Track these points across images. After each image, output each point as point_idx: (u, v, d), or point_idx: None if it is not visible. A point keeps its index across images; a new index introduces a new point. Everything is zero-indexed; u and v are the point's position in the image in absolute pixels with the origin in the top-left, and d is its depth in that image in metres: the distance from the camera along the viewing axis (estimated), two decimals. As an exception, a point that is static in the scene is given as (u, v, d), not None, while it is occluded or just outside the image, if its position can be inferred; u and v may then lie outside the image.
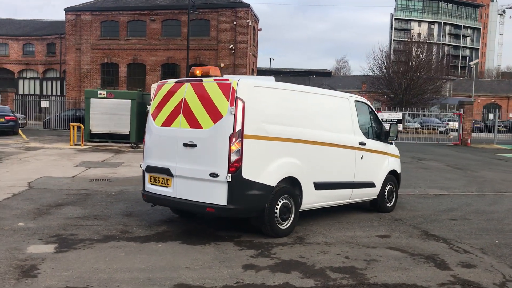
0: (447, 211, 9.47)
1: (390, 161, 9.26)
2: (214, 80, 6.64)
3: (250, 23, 40.87)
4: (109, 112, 21.13)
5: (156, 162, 7.13)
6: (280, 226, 6.89)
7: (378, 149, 8.91)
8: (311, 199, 7.46)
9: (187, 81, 6.99)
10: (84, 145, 20.78)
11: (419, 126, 40.55)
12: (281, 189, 6.83)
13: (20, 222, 7.28)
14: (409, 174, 15.10)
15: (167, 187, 6.95)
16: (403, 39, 55.72)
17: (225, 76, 6.91)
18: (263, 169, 6.59)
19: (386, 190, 9.15)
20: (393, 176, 9.37)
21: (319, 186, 7.53)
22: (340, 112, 8.18)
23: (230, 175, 6.26)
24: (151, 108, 7.43)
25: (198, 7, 39.89)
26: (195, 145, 6.61)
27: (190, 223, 7.66)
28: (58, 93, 50.03)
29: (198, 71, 7.01)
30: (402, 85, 44.21)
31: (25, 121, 32.65)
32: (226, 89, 6.44)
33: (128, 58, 43.20)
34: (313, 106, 7.56)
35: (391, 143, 9.53)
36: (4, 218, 7.48)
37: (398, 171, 9.59)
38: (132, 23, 43.19)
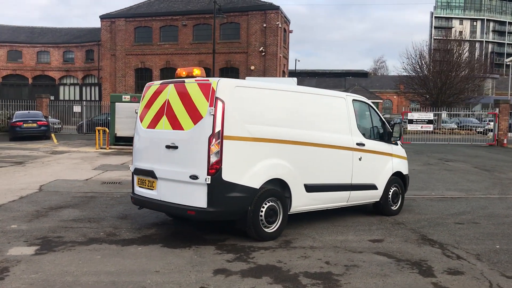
0: (456, 214, 9.03)
1: (394, 163, 8.90)
2: (196, 80, 6.55)
3: (280, 25, 40.70)
4: (133, 116, 21.35)
5: (142, 165, 7.11)
6: (266, 230, 6.71)
7: (379, 150, 8.58)
8: (302, 201, 7.25)
9: (171, 82, 6.94)
10: (109, 148, 21.18)
11: (455, 126, 39.19)
12: (266, 192, 6.66)
13: (14, 224, 7.40)
14: (431, 176, 14.59)
15: (152, 189, 6.91)
16: (442, 38, 53.77)
17: (220, 78, 6.63)
18: (246, 171, 6.44)
19: (391, 193, 8.81)
20: (398, 178, 9.01)
21: (310, 188, 7.31)
22: (336, 112, 7.92)
23: (209, 177, 6.14)
24: (139, 110, 7.43)
25: (228, 10, 40.16)
26: (176, 147, 6.54)
27: (181, 226, 7.60)
28: (96, 99, 51.37)
29: (184, 72, 6.94)
30: (437, 85, 42.88)
31: (60, 126, 33.65)
32: (206, 89, 6.33)
33: (161, 63, 43.89)
34: (303, 106, 7.35)
35: (397, 144, 9.17)
36: (0, 220, 7.63)
37: (405, 172, 9.22)
38: (164, 29, 43.86)
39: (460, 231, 7.62)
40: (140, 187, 7.16)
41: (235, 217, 6.54)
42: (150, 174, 6.88)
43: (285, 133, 6.93)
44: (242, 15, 41.40)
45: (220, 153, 6.18)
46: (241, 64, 41.50)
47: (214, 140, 6.16)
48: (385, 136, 8.85)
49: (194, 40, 42.84)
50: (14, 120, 25.28)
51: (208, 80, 6.41)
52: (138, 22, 44.37)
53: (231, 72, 41.38)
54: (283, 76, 44.89)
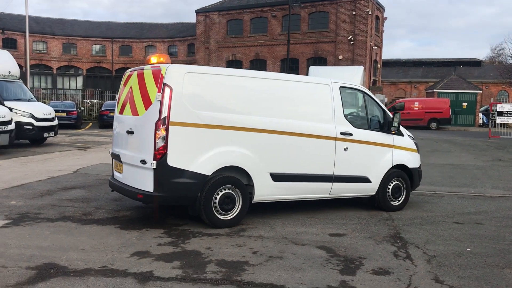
0: (468, 214, 8.20)
1: (395, 154, 8.29)
2: (151, 67, 6.68)
3: (370, 13, 39.22)
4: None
5: (114, 149, 7.44)
6: (221, 217, 6.68)
7: (373, 140, 8.04)
8: (268, 191, 7.08)
9: (136, 69, 7.15)
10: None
11: None
12: (221, 179, 6.62)
13: (15, 200, 8.16)
14: (487, 172, 13.37)
15: (120, 173, 7.21)
16: None
17: (170, 65, 6.66)
18: (196, 157, 6.45)
19: (390, 187, 8.25)
20: (401, 172, 8.38)
21: (278, 177, 7.11)
22: (315, 100, 7.58)
23: (155, 162, 6.27)
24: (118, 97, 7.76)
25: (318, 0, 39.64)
26: (132, 132, 6.76)
27: (163, 210, 7.67)
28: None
29: (151, 59, 7.09)
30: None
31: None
32: (157, 76, 6.45)
33: (250, 55, 44.68)
34: (270, 93, 7.14)
35: (401, 135, 8.51)
36: (8, 197, 8.45)
37: (411, 166, 8.52)
38: (254, 20, 44.53)
39: (446, 231, 6.92)
40: (115, 171, 7.50)
41: (183, 202, 6.60)
42: (118, 158, 7.19)
43: (245, 120, 6.81)
44: (331, 3, 40.59)
45: (166, 138, 6.26)
46: (329, 53, 40.78)
47: (160, 125, 6.26)
48: (385, 126, 8.27)
49: (283, 30, 42.87)
50: (102, 109, 27.45)
51: (159, 67, 6.51)
52: (230, 15, 45.53)
53: (318, 62, 40.87)
54: (375, 65, 43.32)
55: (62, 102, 29.90)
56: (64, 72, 62.07)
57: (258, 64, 44.25)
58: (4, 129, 14.18)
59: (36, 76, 59.71)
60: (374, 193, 8.16)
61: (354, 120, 8.01)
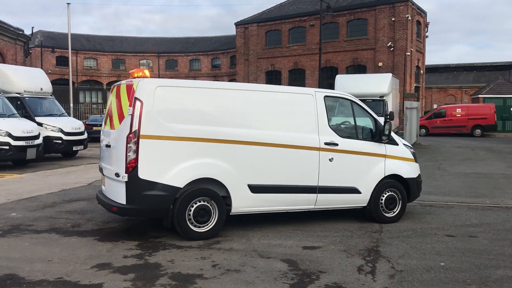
0: (465, 226, 7.82)
1: (388, 164, 8.02)
2: (126, 82, 6.83)
3: (409, 18, 38.33)
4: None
5: (100, 163, 7.64)
6: (196, 229, 6.70)
7: (363, 150, 7.83)
8: (247, 202, 7.03)
9: (117, 84, 7.32)
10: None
11: None
12: (195, 191, 6.65)
13: (15, 213, 8.52)
14: (510, 181, 12.63)
15: (104, 186, 7.38)
16: None
17: (142, 79, 6.68)
18: (167, 170, 6.52)
19: (384, 198, 7.98)
20: (396, 182, 8.09)
21: (257, 189, 7.06)
22: (297, 110, 7.48)
23: (126, 175, 6.39)
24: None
25: (356, 7, 39.27)
26: (110, 146, 6.92)
27: (149, 222, 7.82)
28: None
29: (135, 74, 7.21)
30: None
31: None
32: (129, 90, 6.60)
33: (289, 65, 44.68)
34: (247, 104, 7.12)
35: (396, 144, 8.23)
36: (12, 209, 8.84)
37: (406, 176, 8.20)
38: (293, 30, 44.57)
39: (430, 245, 6.62)
40: (102, 184, 7.70)
41: (156, 215, 6.68)
42: (102, 171, 7.38)
43: (219, 132, 6.81)
44: (370, 10, 40.05)
45: (136, 151, 6.37)
46: (368, 61, 40.13)
47: (131, 139, 6.38)
48: (376, 135, 8.02)
49: (322, 39, 42.58)
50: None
51: (131, 81, 6.65)
52: (269, 26, 45.81)
53: (358, 69, 40.29)
54: (417, 71, 42.19)
55: (101, 116, 31.07)
56: (113, 87, 64.38)
57: (297, 74, 44.21)
58: (31, 144, 14.86)
59: (87, 91, 62.19)
60: (366, 204, 7.92)
61: (341, 130, 7.84)
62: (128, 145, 6.40)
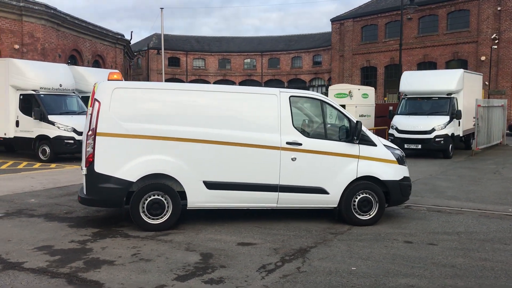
0: (441, 233, 7.39)
1: (362, 165, 7.78)
2: (95, 83, 7.51)
3: (517, 6, 34.91)
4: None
5: (87, 157, 8.46)
6: (150, 221, 7.19)
7: (330, 150, 7.69)
8: (202, 198, 7.36)
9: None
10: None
11: None
12: (149, 185, 7.15)
13: (34, 199, 9.73)
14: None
15: (87, 179, 8.18)
16: None
17: (101, 81, 7.31)
18: (121, 165, 7.09)
19: (357, 200, 7.79)
20: (371, 184, 7.83)
21: (213, 185, 7.35)
22: (258, 110, 7.60)
23: (85, 168, 7.10)
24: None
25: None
26: (81, 143, 7.69)
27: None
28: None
29: (109, 77, 7.88)
30: None
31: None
32: (93, 91, 7.27)
33: (385, 60, 43.18)
34: (204, 105, 7.43)
35: (374, 145, 7.94)
36: (37, 196, 10.09)
37: (384, 178, 7.85)
38: (389, 25, 42.99)
39: (370, 249, 6.44)
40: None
41: (111, 205, 7.32)
42: None
43: (172, 131, 7.21)
44: (472, 0, 37.14)
45: (93, 147, 7.05)
46: (470, 55, 37.38)
47: (89, 136, 7.08)
48: (349, 135, 7.82)
49: (419, 33, 40.61)
50: None
51: (96, 83, 7.33)
52: (365, 21, 44.68)
53: (458, 64, 37.69)
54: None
55: None
56: (219, 86, 67.28)
57: (393, 70, 42.54)
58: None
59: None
60: (336, 206, 7.79)
61: (307, 130, 7.79)
62: (88, 142, 7.10)
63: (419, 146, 17.82)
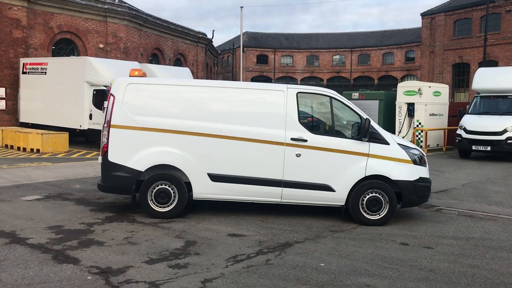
0: (443, 238, 7.07)
1: (371, 164, 7.60)
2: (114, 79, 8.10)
3: None
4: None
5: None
6: (157, 209, 7.63)
7: (337, 147, 7.60)
8: (207, 190, 7.65)
9: (113, 82, 8.62)
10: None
11: None
12: (157, 175, 7.60)
13: (78, 184, 10.65)
14: None
15: (113, 167, 8.83)
16: None
17: (118, 77, 7.87)
18: (132, 155, 7.60)
19: (365, 199, 7.63)
20: (382, 183, 7.62)
21: (217, 178, 7.61)
22: (263, 106, 7.72)
23: (101, 157, 7.72)
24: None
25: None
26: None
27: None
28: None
29: (131, 73, 8.43)
30: None
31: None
32: (110, 87, 7.86)
33: (479, 56, 40.22)
34: (212, 101, 7.71)
35: (387, 143, 7.70)
36: (84, 182, 11.02)
37: (396, 178, 7.59)
38: (485, 18, 40.03)
39: (358, 248, 6.36)
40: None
41: (122, 192, 7.88)
42: None
43: (180, 124, 7.57)
44: None
45: (107, 138, 7.64)
46: None
47: (105, 127, 7.68)
48: (359, 133, 7.66)
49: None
50: None
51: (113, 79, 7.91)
52: (458, 15, 42.08)
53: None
54: None
55: None
56: (307, 83, 67.16)
57: (489, 66, 39.64)
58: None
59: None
60: (343, 204, 7.68)
61: (314, 126, 7.75)
62: (103, 133, 7.71)
63: (488, 148, 16.61)
